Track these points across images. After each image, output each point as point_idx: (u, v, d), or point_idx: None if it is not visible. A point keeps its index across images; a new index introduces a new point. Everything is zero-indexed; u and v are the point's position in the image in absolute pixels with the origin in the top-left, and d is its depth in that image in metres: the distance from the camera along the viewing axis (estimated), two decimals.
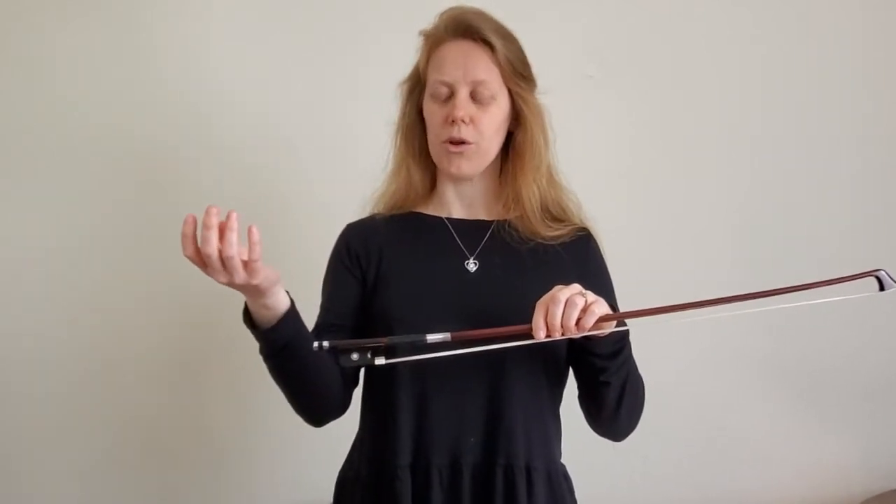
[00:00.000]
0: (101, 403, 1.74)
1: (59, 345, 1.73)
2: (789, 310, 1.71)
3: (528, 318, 0.99)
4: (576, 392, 1.21)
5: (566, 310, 0.97)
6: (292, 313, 1.07)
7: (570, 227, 1.22)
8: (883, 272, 0.95)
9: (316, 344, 1.00)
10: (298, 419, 1.19)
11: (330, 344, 1.00)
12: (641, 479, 1.74)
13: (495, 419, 1.13)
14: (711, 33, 1.75)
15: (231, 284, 0.96)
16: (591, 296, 0.99)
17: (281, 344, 1.06)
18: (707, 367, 1.74)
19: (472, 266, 1.19)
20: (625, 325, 1.08)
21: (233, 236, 0.92)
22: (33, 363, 1.73)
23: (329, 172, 1.72)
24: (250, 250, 0.93)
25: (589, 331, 0.98)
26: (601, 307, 0.98)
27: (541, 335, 0.97)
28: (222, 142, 1.72)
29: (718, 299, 0.97)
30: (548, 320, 0.97)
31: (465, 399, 1.14)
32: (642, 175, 1.74)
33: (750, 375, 1.75)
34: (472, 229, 1.22)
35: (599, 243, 1.25)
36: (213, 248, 0.91)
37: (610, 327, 1.02)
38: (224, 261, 0.92)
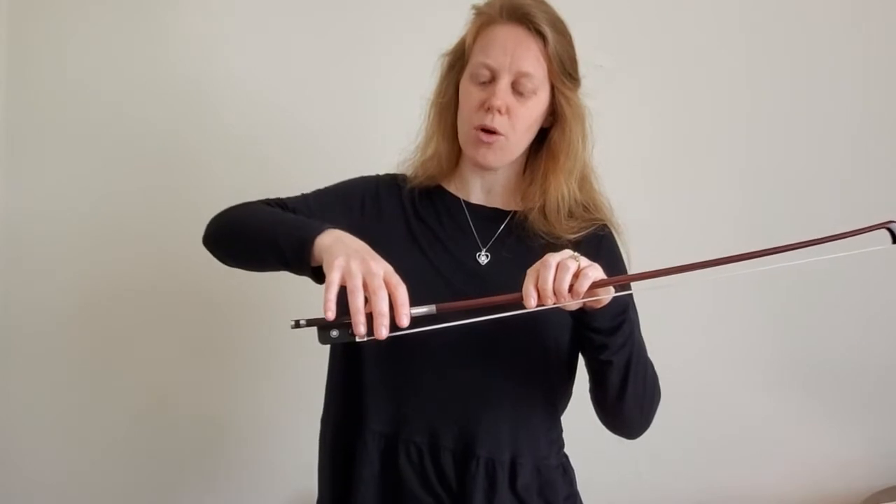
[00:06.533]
0: (103, 398, 1.77)
1: (60, 341, 1.76)
2: (792, 305, 1.74)
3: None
4: (583, 384, 1.17)
5: (558, 273, 0.92)
6: None
7: (587, 225, 1.17)
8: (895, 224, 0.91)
9: (293, 321, 0.94)
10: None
11: (307, 321, 0.94)
12: (647, 471, 1.75)
13: (478, 411, 1.10)
14: (723, 21, 1.75)
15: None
16: (584, 260, 0.94)
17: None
18: (712, 361, 1.74)
19: (483, 259, 1.15)
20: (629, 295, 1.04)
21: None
22: (37, 356, 1.77)
23: (348, 165, 1.71)
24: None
25: (584, 297, 0.93)
26: (595, 271, 0.94)
27: (532, 303, 0.92)
28: (239, 134, 1.75)
29: (721, 259, 0.92)
30: (539, 285, 0.92)
31: (451, 386, 1.10)
32: (659, 165, 1.74)
33: (754, 369, 1.75)
34: (488, 218, 1.19)
35: (619, 241, 1.20)
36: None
37: (607, 297, 0.97)
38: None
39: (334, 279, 0.91)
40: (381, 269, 0.93)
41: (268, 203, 1.16)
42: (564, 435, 1.22)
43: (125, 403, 1.77)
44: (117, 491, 1.78)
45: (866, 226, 0.91)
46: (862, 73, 1.73)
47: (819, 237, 0.90)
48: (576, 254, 0.95)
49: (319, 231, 1.00)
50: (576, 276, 0.93)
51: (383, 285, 0.91)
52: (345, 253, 0.94)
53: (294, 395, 1.72)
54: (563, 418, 1.21)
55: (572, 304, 0.95)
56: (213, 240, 1.15)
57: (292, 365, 1.73)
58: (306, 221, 1.06)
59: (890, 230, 0.91)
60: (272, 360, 1.76)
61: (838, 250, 0.90)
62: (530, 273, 0.95)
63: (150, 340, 1.77)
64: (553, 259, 0.93)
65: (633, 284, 1.00)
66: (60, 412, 1.77)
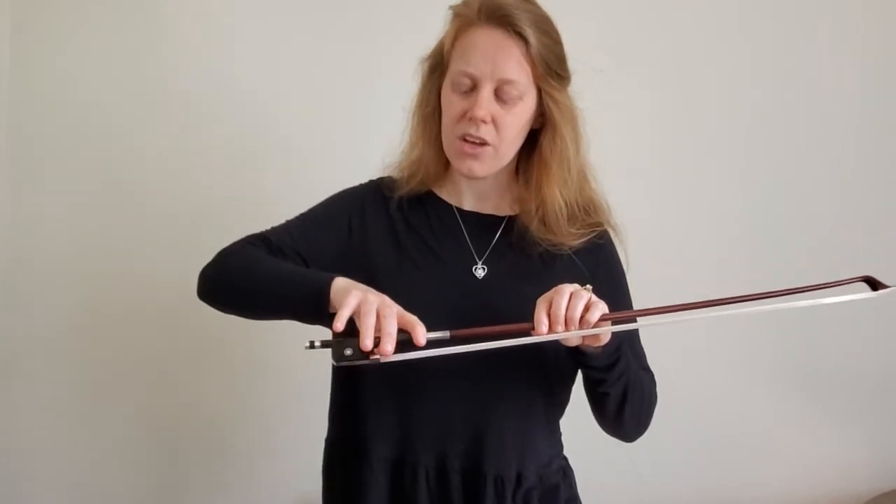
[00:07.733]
0: (106, 399, 1.78)
1: (63, 342, 1.76)
2: (792, 308, 1.75)
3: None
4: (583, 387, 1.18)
5: (571, 301, 0.93)
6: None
7: (586, 231, 1.13)
8: (870, 277, 0.99)
9: (308, 342, 0.93)
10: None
11: (322, 342, 0.93)
12: (647, 473, 1.74)
13: (485, 427, 1.09)
14: (721, 20, 1.74)
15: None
16: (593, 295, 0.95)
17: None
18: (713, 364, 1.74)
19: (479, 272, 1.12)
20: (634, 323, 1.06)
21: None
22: (38, 357, 1.77)
23: (349, 166, 1.71)
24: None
25: (592, 328, 0.94)
26: (604, 306, 0.95)
27: (543, 329, 0.93)
28: (239, 133, 1.74)
29: (718, 301, 0.97)
30: (551, 311, 0.93)
31: (456, 404, 1.09)
32: (658, 165, 1.73)
33: (756, 372, 1.74)
34: (482, 226, 1.15)
35: (617, 242, 1.18)
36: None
37: (607, 336, 0.97)
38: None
39: (351, 303, 0.93)
40: (395, 306, 0.95)
41: (251, 243, 1.12)
42: (564, 437, 1.21)
43: (126, 406, 1.77)
44: (118, 492, 1.78)
45: (846, 278, 0.99)
46: (862, 73, 1.72)
47: (801, 287, 0.98)
48: (588, 286, 0.96)
49: (331, 279, 1.01)
50: (586, 308, 0.94)
51: (395, 315, 0.93)
52: (362, 290, 0.96)
53: (296, 397, 1.72)
54: (563, 420, 1.21)
55: (575, 338, 0.96)
56: (209, 295, 1.12)
57: (295, 366, 1.71)
58: (314, 273, 1.06)
59: (868, 282, 0.97)
60: (274, 362, 1.75)
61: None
62: (542, 301, 0.96)
63: (150, 342, 1.76)
64: (567, 288, 0.95)
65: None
66: (61, 413, 1.77)
